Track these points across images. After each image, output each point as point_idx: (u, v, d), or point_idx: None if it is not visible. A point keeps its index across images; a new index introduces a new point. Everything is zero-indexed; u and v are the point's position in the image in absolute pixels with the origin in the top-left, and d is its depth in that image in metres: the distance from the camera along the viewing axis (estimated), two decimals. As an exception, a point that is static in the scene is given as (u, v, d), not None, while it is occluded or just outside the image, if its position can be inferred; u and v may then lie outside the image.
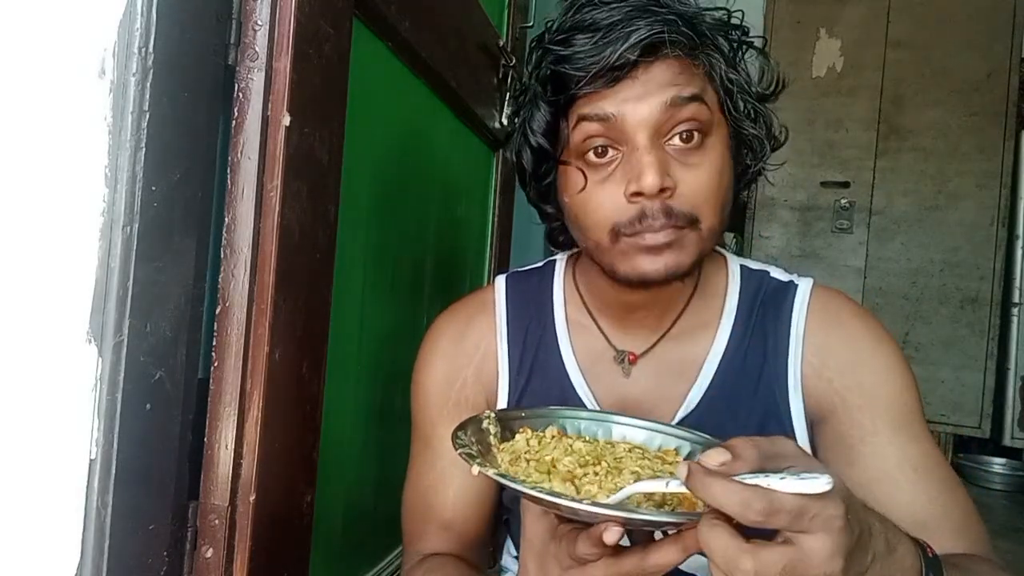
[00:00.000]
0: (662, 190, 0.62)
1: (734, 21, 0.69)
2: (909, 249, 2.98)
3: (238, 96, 0.66)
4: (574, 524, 0.51)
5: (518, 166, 0.75)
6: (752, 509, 0.39)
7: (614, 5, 0.63)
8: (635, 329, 0.76)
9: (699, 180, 0.64)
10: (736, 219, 3.18)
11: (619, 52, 0.61)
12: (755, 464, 0.44)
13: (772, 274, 0.78)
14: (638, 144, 0.63)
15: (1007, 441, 2.87)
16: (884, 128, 3.02)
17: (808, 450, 0.71)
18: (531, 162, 0.72)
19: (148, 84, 0.55)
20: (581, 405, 0.75)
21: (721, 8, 0.69)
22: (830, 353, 0.72)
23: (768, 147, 0.70)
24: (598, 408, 0.74)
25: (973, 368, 2.87)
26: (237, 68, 0.66)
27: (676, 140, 0.64)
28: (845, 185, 3.07)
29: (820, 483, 0.39)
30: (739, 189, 0.72)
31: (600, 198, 0.65)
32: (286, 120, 0.67)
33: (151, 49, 0.55)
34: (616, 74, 0.62)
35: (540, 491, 0.46)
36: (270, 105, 0.67)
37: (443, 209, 1.29)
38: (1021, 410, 2.85)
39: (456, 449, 0.52)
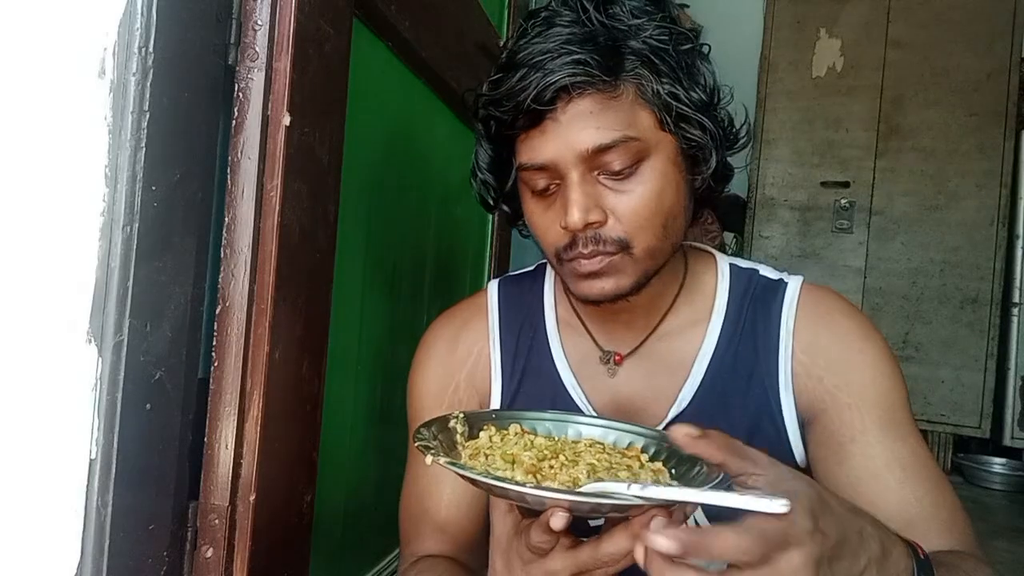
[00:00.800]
0: (589, 223, 0.63)
1: (680, 26, 0.65)
2: (909, 249, 2.98)
3: (238, 96, 0.66)
4: (534, 518, 0.51)
5: (479, 197, 0.78)
6: (752, 554, 0.40)
7: (538, 42, 0.63)
8: (621, 330, 0.76)
9: (631, 207, 0.64)
10: (736, 219, 3.17)
11: (530, 97, 0.61)
12: (720, 452, 0.47)
13: (762, 272, 0.78)
14: (569, 180, 0.64)
15: (1007, 441, 2.87)
16: (884, 128, 3.02)
17: (800, 449, 0.72)
18: (485, 194, 0.76)
19: (148, 84, 0.55)
20: (573, 405, 0.75)
21: (662, 13, 0.65)
22: (820, 351, 0.72)
23: (714, 155, 0.68)
24: (592, 410, 0.74)
25: (973, 368, 2.87)
26: (237, 68, 0.66)
27: (609, 169, 0.64)
28: (845, 185, 3.07)
29: (774, 505, 0.40)
30: (704, 194, 0.71)
31: (544, 225, 0.68)
32: (286, 120, 0.67)
33: (151, 49, 0.55)
34: (536, 117, 0.63)
35: (483, 476, 0.48)
36: (270, 105, 0.67)
37: (443, 209, 1.29)
38: (1021, 410, 2.85)
39: (415, 443, 0.54)
